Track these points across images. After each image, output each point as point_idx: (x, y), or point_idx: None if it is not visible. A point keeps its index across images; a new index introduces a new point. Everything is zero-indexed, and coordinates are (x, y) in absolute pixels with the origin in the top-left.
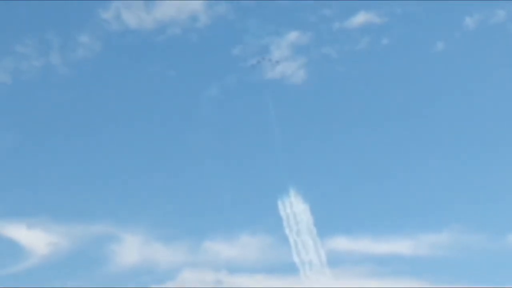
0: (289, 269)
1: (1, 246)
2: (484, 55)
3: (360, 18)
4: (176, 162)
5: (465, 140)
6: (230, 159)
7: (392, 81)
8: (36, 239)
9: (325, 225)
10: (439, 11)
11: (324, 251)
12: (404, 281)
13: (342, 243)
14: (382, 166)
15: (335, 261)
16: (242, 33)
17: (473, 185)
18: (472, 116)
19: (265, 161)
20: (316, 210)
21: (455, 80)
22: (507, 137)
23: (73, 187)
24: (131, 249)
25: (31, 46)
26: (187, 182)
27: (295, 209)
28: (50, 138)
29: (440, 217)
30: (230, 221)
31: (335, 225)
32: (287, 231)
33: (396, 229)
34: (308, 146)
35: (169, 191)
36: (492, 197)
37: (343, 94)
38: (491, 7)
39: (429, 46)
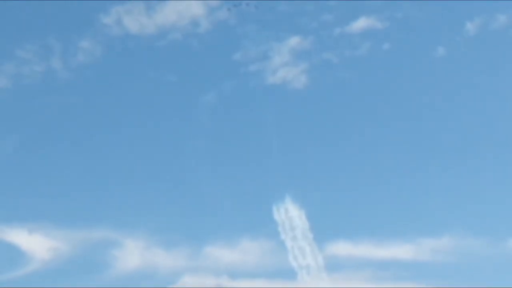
0: (289, 273)
1: (2, 251)
2: (485, 59)
3: (361, 23)
4: (177, 168)
5: (466, 145)
6: (230, 164)
7: (393, 85)
8: (37, 244)
9: (326, 230)
10: (440, 15)
11: (322, 256)
12: (404, 285)
13: (342, 248)
14: (382, 170)
15: (336, 265)
16: (243, 38)
17: (474, 189)
18: (473, 120)
19: (265, 166)
20: (316, 215)
21: (456, 84)
22: (508, 141)
23: (74, 192)
24: (132, 254)
25: (32, 51)
26: (188, 187)
27: (290, 214)
28: (51, 143)
29: (441, 222)
30: (231, 227)
31: (336, 230)
32: (282, 236)
33: (397, 234)
34: (309, 150)
35: (170, 197)
36: (493, 201)
37: (344, 99)
38: (491, 11)
39: (430, 51)
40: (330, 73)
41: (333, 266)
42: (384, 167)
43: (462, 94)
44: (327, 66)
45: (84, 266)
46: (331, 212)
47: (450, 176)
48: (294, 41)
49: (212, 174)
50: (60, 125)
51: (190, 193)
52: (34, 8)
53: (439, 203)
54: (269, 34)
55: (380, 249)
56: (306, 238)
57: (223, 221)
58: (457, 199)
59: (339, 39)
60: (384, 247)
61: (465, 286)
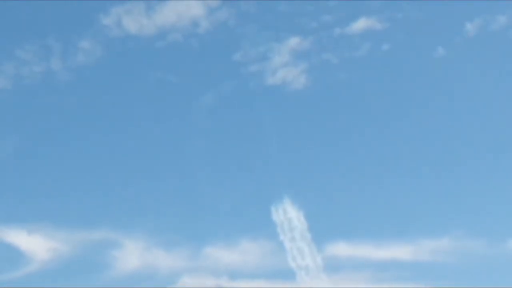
0: (288, 274)
1: (1, 251)
2: (485, 60)
3: (361, 23)
4: (176, 168)
5: (466, 146)
6: (229, 165)
7: (393, 86)
8: (36, 244)
9: (325, 231)
10: (440, 16)
11: (321, 257)
12: (404, 286)
13: (342, 248)
14: (381, 171)
15: (335, 266)
16: (243, 39)
17: (474, 190)
18: (473, 121)
19: (264, 167)
20: (316, 216)
21: (456, 85)
22: (508, 142)
23: (74, 193)
24: (132, 255)
25: (31, 52)
26: (188, 188)
27: (289, 215)
28: (51, 143)
29: (440, 223)
30: (230, 228)
31: (335, 231)
32: (281, 237)
33: (397, 235)
34: (308, 151)
35: (170, 197)
36: (492, 202)
37: (344, 100)
38: (491, 12)
39: (429, 51)
40: (329, 74)
41: (333, 267)
42: (383, 167)
43: (462, 94)
44: (326, 66)
45: (84, 267)
46: (331, 213)
47: (450, 177)
48: (293, 41)
49: (211, 174)
50: (59, 126)
51: (190, 194)
52: (33, 8)
53: (439, 204)
54: (268, 34)
55: (379, 250)
56: (304, 239)
57: (222, 222)
58: (457, 200)
59: (339, 40)
60: (383, 248)
61: (465, 287)
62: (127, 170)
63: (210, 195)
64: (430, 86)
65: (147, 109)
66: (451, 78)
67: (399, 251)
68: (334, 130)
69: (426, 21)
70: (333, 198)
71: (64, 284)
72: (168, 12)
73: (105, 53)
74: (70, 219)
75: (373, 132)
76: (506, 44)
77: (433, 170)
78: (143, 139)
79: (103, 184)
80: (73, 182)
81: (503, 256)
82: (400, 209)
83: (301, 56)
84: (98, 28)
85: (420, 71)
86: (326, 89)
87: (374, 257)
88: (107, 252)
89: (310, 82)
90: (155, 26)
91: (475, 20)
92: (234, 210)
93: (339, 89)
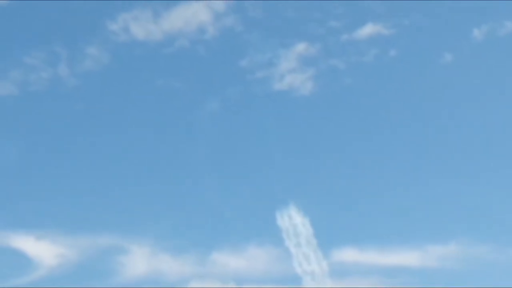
0: (295, 279)
1: (9, 257)
2: (492, 66)
3: (368, 29)
4: (183, 174)
5: (473, 152)
6: (235, 170)
7: (400, 92)
8: (44, 250)
9: (332, 237)
10: (447, 22)
11: (327, 263)
12: None
13: (349, 254)
14: (389, 177)
15: (342, 272)
16: (249, 45)
17: (481, 196)
18: (481, 127)
19: (271, 172)
20: (322, 222)
21: (463, 91)
22: None
23: (81, 199)
24: (139, 260)
25: (39, 58)
26: (194, 193)
27: (294, 221)
28: (58, 149)
29: (447, 229)
30: (237, 233)
31: (342, 236)
32: (287, 243)
33: (404, 241)
34: (314, 157)
35: (177, 203)
36: (499, 208)
37: (351, 106)
38: (498, 18)
39: (437, 57)
40: (336, 80)
41: (340, 272)
42: (390, 173)
43: (469, 100)
44: (333, 72)
45: (91, 273)
46: (336, 219)
47: (457, 183)
48: (300, 47)
49: (217, 180)
50: (66, 132)
51: (196, 199)
52: (40, 14)
53: (446, 210)
54: (275, 40)
55: (386, 256)
56: (310, 245)
57: (229, 228)
58: (464, 206)
59: (345, 46)
60: (390, 253)
61: None
62: (134, 175)
63: (216, 201)
64: (437, 92)
65: (154, 115)
66: (458, 84)
67: (406, 257)
68: (340, 136)
69: (433, 26)
70: (339, 203)
71: None
72: (175, 18)
73: (112, 59)
74: (78, 225)
75: (380, 137)
76: None
77: (440, 176)
78: (149, 145)
79: (110, 190)
80: (80, 188)
81: (510, 261)
82: (407, 215)
83: (308, 62)
84: (105, 34)
85: (427, 77)
86: (333, 95)
87: (381, 263)
88: (114, 257)
89: (317, 88)
90: (162, 32)
91: (482, 26)
92: (240, 216)
93: (346, 95)
